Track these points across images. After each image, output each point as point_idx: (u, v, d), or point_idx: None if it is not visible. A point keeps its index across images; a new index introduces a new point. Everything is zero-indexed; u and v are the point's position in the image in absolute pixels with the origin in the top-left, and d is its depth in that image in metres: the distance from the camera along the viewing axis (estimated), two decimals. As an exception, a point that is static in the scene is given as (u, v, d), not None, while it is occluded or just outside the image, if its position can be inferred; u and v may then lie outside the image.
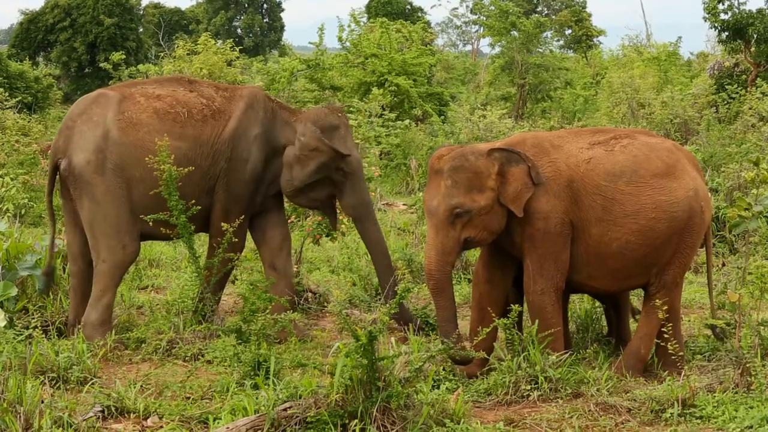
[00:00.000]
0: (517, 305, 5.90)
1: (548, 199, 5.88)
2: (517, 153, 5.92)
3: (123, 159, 6.44)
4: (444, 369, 5.78)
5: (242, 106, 6.80)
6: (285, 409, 4.80)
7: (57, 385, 5.47)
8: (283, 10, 49.10)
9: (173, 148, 6.46)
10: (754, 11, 19.51)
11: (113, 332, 6.35)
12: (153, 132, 6.50)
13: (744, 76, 19.62)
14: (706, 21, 19.69)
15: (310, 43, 19.84)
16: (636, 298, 7.15)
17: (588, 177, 5.90)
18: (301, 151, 6.87)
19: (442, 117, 18.78)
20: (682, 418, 5.14)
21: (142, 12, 39.40)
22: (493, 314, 5.91)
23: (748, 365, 5.34)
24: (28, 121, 16.57)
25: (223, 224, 6.52)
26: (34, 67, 29.61)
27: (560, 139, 6.11)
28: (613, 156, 5.96)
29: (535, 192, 5.87)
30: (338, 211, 7.39)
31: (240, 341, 5.95)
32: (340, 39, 20.19)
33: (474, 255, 8.77)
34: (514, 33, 22.78)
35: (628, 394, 5.47)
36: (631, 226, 5.88)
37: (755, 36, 19.30)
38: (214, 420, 4.97)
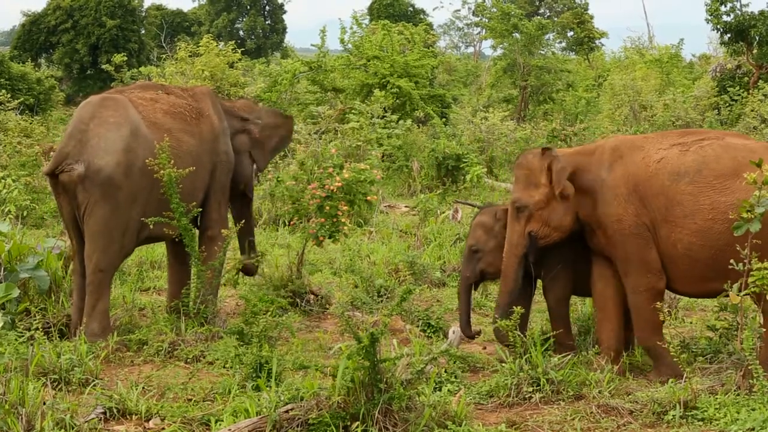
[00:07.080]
0: (519, 307, 5.89)
1: (619, 203, 5.99)
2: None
3: (155, 157, 6.31)
4: (446, 371, 5.78)
5: (209, 102, 6.97)
6: (287, 411, 4.80)
7: (59, 386, 5.46)
8: (285, 12, 49.05)
9: (189, 145, 6.56)
10: (756, 13, 19.50)
11: (115, 334, 6.35)
12: (174, 131, 6.53)
13: (746, 78, 19.64)
14: (708, 23, 19.69)
15: (312, 45, 19.89)
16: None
17: (655, 177, 5.94)
18: (263, 132, 7.23)
19: (444, 119, 18.77)
20: (684, 420, 5.12)
21: (144, 14, 39.38)
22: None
23: (750, 367, 5.33)
24: (30, 123, 16.60)
25: (223, 230, 6.71)
26: (36, 69, 29.63)
27: (644, 141, 6.19)
28: (684, 156, 5.95)
29: (606, 196, 6.01)
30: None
31: (242, 343, 5.95)
32: (342, 41, 20.19)
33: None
34: (516, 35, 22.76)
35: (629, 396, 5.47)
36: (690, 227, 5.85)
37: (757, 38, 19.31)
38: (216, 422, 4.97)
